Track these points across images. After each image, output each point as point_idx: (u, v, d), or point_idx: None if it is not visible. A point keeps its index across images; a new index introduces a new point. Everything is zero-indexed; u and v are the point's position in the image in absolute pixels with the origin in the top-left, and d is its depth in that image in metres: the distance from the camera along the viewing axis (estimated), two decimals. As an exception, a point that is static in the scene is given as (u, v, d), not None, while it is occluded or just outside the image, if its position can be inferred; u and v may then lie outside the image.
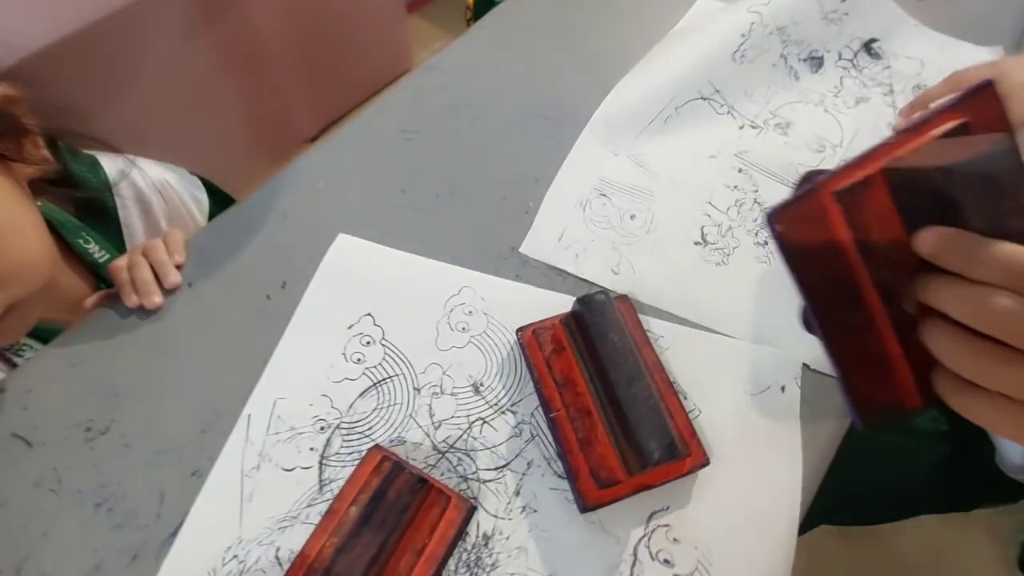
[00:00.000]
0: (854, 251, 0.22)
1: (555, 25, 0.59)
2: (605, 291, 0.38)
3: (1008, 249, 0.18)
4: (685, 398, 0.40)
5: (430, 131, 0.51)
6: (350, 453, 0.37)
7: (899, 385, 0.23)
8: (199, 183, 0.56)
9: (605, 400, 0.36)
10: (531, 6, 0.61)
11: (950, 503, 0.48)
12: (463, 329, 0.42)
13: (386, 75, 1.71)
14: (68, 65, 0.86)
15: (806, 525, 0.64)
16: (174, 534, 0.35)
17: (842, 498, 0.60)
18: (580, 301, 0.37)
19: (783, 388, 0.40)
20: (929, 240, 0.20)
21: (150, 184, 0.51)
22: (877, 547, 0.98)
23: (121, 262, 0.44)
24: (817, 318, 0.23)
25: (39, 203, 0.43)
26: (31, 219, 0.39)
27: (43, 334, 0.44)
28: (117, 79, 1.12)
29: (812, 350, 0.42)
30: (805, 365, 0.41)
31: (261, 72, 1.38)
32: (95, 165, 0.48)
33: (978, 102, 0.21)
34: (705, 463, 0.36)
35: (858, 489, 0.57)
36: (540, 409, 0.39)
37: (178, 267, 0.44)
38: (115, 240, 0.48)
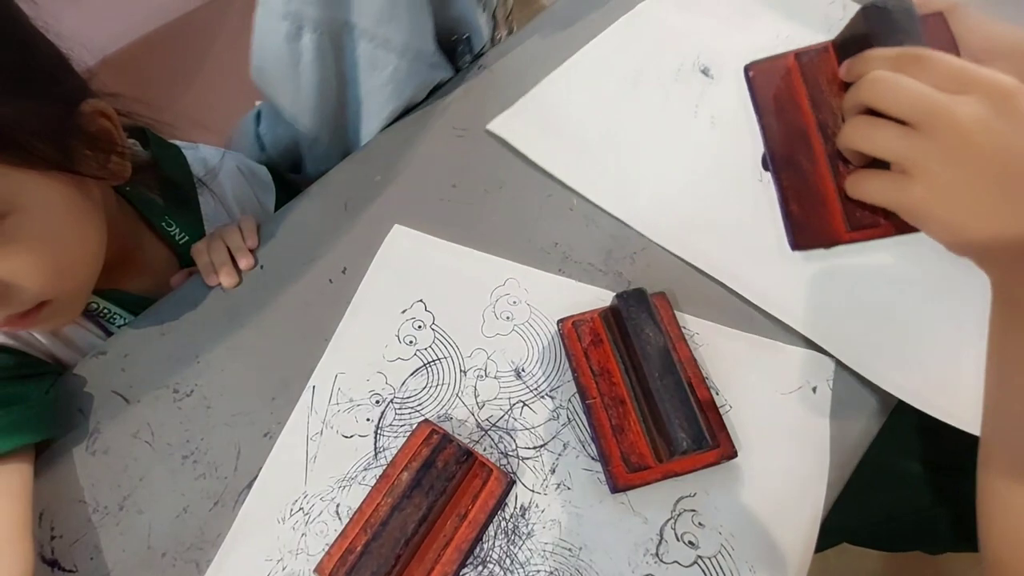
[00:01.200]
0: (806, 101, 0.28)
1: (599, 27, 0.60)
2: (642, 289, 0.40)
3: (893, 50, 0.25)
4: (717, 393, 0.41)
5: (479, 129, 0.54)
6: (402, 425, 0.41)
7: (829, 216, 0.28)
8: (268, 174, 0.61)
9: (639, 391, 0.38)
10: (577, 8, 0.63)
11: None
12: (507, 318, 0.45)
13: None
14: (143, 65, 0.93)
15: (827, 540, 0.65)
16: (249, 486, 0.40)
17: (868, 521, 0.60)
18: (619, 296, 0.39)
19: (815, 389, 0.42)
20: (846, 65, 0.27)
21: (227, 173, 0.56)
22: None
23: (202, 245, 0.48)
24: (772, 156, 0.29)
25: (128, 187, 0.48)
26: (78, 232, 0.39)
27: (132, 304, 0.50)
28: (187, 73, 1.19)
29: (847, 348, 0.43)
30: (839, 364, 0.42)
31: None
32: (179, 155, 0.53)
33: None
34: (733, 455, 0.38)
35: (885, 513, 0.57)
36: (577, 396, 0.41)
37: (252, 251, 0.49)
38: (195, 222, 0.53)
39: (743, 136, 0.51)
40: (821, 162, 0.28)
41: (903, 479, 0.53)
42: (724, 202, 0.49)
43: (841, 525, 0.63)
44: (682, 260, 0.47)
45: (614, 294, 0.40)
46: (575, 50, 0.58)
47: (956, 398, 0.40)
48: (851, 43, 0.27)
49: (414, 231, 0.49)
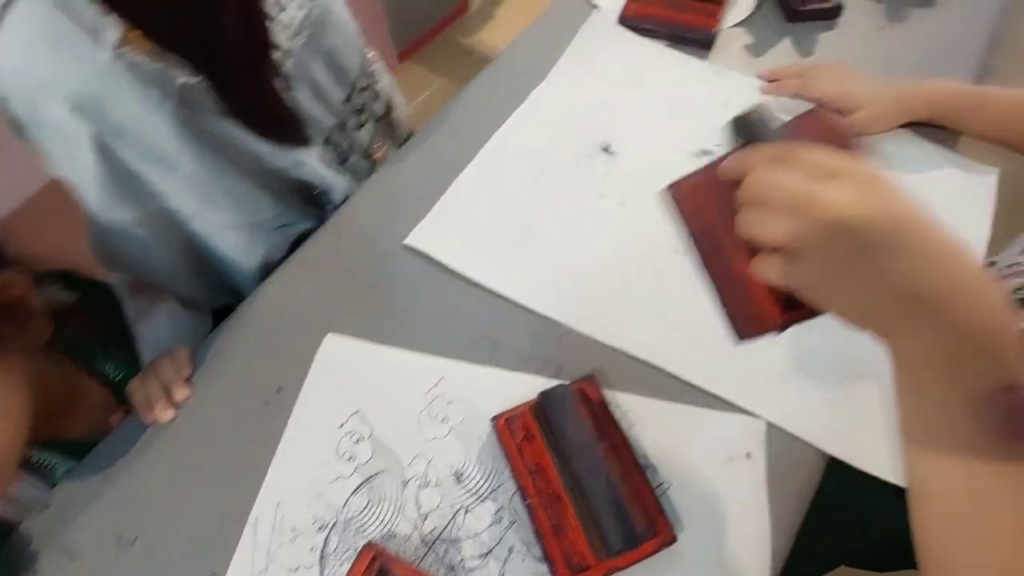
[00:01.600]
0: (716, 208, 0.31)
1: (495, 124, 0.61)
2: (563, 386, 0.40)
3: (766, 150, 0.27)
4: (655, 472, 0.42)
5: (403, 224, 0.55)
6: (347, 551, 0.41)
7: (762, 306, 0.31)
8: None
9: (574, 487, 0.39)
10: (471, 109, 0.64)
11: None
12: (443, 419, 0.45)
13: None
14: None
15: (825, 565, 0.65)
16: (196, 638, 0.39)
17: (862, 543, 0.61)
18: (542, 395, 0.40)
19: (749, 455, 0.42)
20: (724, 167, 0.30)
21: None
22: None
23: (136, 382, 0.48)
24: (703, 261, 0.32)
25: (66, 332, 0.48)
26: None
27: (74, 450, 0.49)
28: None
29: (778, 409, 0.43)
30: (770, 426, 0.43)
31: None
32: (108, 292, 0.54)
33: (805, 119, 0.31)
34: (672, 541, 0.38)
35: (879, 535, 0.58)
36: (518, 494, 0.41)
37: (186, 380, 0.49)
38: (131, 357, 0.53)
39: (652, 213, 0.53)
40: (743, 257, 0.30)
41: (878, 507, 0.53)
42: (640, 281, 0.50)
43: (839, 547, 0.63)
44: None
45: (539, 392, 0.41)
46: (478, 149, 0.59)
47: (881, 450, 0.40)
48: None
49: (347, 338, 0.50)
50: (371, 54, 0.62)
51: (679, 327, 0.47)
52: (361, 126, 0.61)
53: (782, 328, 0.31)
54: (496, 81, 0.65)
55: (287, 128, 0.50)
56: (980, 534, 0.25)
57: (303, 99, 0.52)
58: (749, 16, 0.67)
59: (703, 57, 0.65)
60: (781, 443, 0.43)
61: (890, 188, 0.25)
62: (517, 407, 0.43)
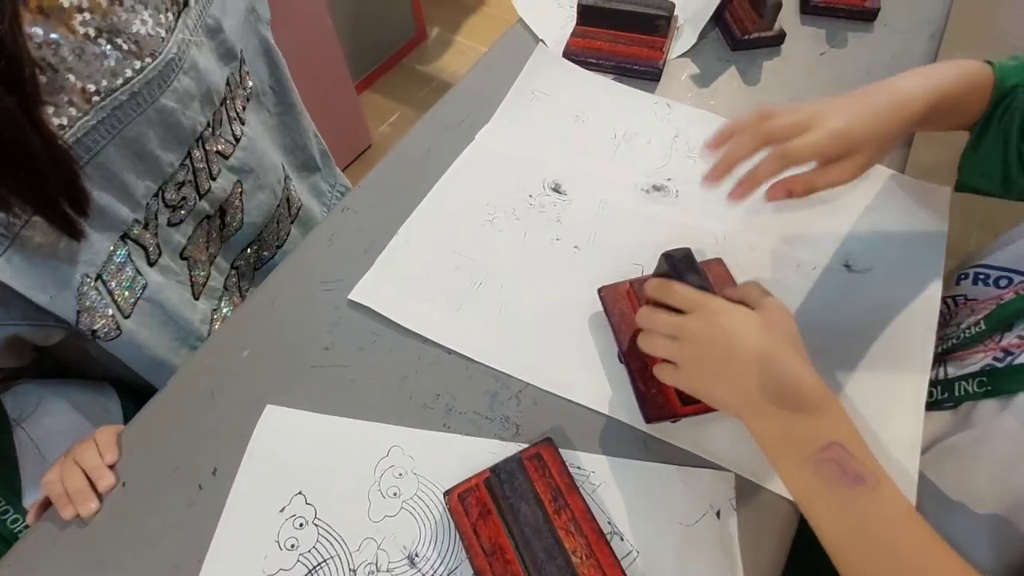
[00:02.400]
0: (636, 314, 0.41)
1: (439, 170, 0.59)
2: (516, 456, 0.38)
3: (655, 281, 0.40)
4: (622, 539, 0.39)
5: (350, 278, 0.52)
6: (289, 654, 0.37)
7: (666, 396, 0.43)
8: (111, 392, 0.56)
9: (533, 570, 0.36)
10: (437, 141, 0.62)
11: None
12: (394, 495, 0.42)
13: (349, 152, 1.75)
14: None
15: None
16: None
17: None
18: (492, 470, 0.37)
19: (718, 513, 0.40)
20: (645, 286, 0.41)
21: (49, 407, 0.51)
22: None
23: (53, 475, 0.44)
24: (622, 351, 0.45)
25: None
26: None
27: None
28: None
29: (747, 460, 0.41)
30: (740, 479, 0.41)
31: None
32: None
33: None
34: (640, 619, 0.35)
35: None
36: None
37: (111, 466, 0.44)
38: (13, 482, 0.48)
39: (608, 255, 0.51)
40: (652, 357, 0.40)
41: None
42: (594, 331, 0.48)
43: None
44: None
45: (490, 468, 0.38)
46: (431, 183, 0.57)
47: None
48: (659, 276, 0.41)
49: (287, 409, 0.46)
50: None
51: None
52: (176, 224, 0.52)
53: (680, 417, 0.42)
54: (443, 119, 0.63)
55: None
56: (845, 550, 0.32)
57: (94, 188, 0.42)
58: (693, 47, 0.67)
59: (651, 89, 0.65)
60: (752, 497, 0.41)
61: (728, 317, 0.36)
62: (471, 479, 0.40)
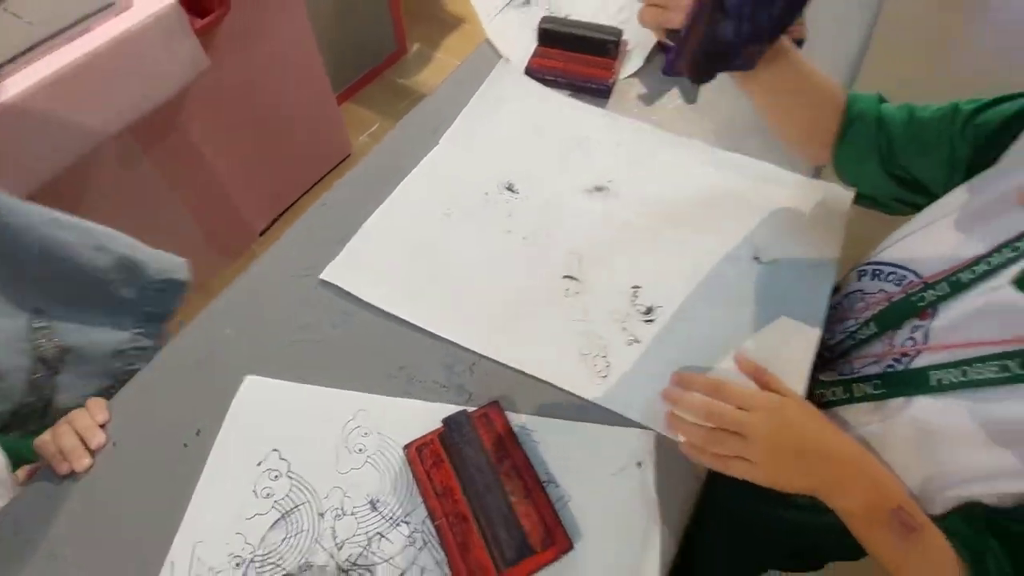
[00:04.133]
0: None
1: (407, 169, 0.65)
2: (463, 411, 0.44)
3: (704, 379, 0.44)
4: (557, 486, 0.45)
5: (324, 265, 0.58)
6: (264, 585, 0.42)
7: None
8: None
9: (476, 506, 0.42)
10: (409, 146, 0.69)
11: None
12: (360, 450, 0.48)
13: (328, 162, 1.80)
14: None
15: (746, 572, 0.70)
16: None
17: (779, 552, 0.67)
18: (445, 421, 0.43)
19: (639, 464, 0.46)
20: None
21: None
22: None
23: (46, 436, 0.49)
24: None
25: None
26: None
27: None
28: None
29: (663, 420, 0.48)
30: (658, 437, 0.47)
31: (205, 181, 1.46)
32: None
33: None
34: (568, 548, 0.41)
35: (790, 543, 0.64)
36: (429, 517, 0.44)
37: (102, 426, 0.49)
38: None
39: (551, 249, 0.58)
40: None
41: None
42: (543, 309, 0.54)
43: (757, 555, 0.68)
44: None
45: (442, 419, 0.44)
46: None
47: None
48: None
49: (266, 379, 0.51)
50: None
51: (571, 352, 0.52)
52: None
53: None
54: (415, 128, 0.70)
55: None
56: None
57: None
58: (641, 69, 0.75)
59: (602, 105, 0.72)
60: (668, 451, 0.47)
61: (786, 412, 0.42)
62: (428, 434, 0.46)
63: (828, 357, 0.52)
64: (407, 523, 0.44)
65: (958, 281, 0.42)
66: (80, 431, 0.49)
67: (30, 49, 0.69)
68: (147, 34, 0.70)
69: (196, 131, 1.37)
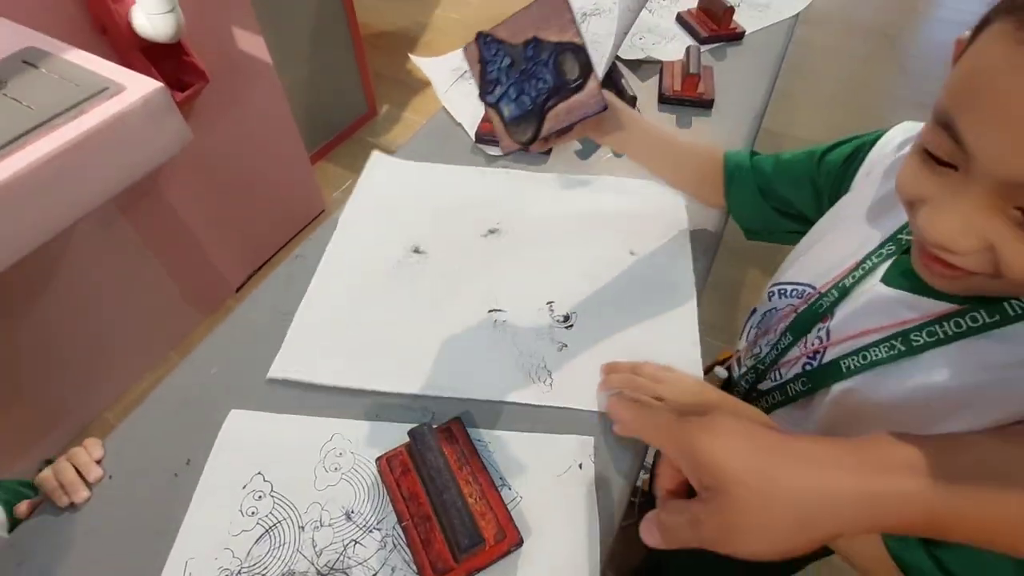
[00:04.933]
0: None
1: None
2: (427, 425, 0.51)
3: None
4: (510, 489, 0.52)
5: (295, 311, 0.65)
6: (250, 593, 0.47)
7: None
8: None
9: (438, 507, 0.48)
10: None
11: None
12: (335, 469, 0.54)
13: (302, 218, 1.89)
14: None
15: None
16: None
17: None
18: (409, 433, 0.50)
19: (580, 465, 0.54)
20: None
21: None
22: None
23: (47, 472, 0.54)
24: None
25: None
26: None
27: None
28: (44, 280, 1.23)
29: (600, 428, 0.55)
30: (596, 441, 0.55)
31: (182, 240, 1.52)
32: None
33: None
34: (519, 543, 0.48)
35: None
36: (398, 521, 0.50)
37: (98, 462, 0.54)
38: None
39: (470, 292, 0.67)
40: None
41: None
42: (475, 344, 0.62)
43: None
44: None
45: (407, 431, 0.51)
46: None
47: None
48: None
49: (249, 411, 0.58)
50: None
51: (507, 372, 0.60)
52: None
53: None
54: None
55: None
56: None
57: None
58: (577, 128, 0.87)
59: (544, 162, 0.83)
60: (605, 453, 0.55)
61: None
62: (396, 448, 0.53)
63: (761, 369, 0.59)
64: (379, 529, 0.50)
65: (843, 286, 0.50)
66: (79, 467, 0.54)
67: (30, 131, 0.77)
68: (137, 114, 0.79)
69: (173, 193, 1.44)
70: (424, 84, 2.38)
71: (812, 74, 2.38)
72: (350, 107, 2.16)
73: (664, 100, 0.91)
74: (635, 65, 0.97)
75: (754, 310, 0.65)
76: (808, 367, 0.52)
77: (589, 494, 0.52)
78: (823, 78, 2.38)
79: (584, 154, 0.84)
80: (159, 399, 0.59)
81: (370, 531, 0.50)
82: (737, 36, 1.03)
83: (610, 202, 0.76)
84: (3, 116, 0.79)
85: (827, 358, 0.50)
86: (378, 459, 0.53)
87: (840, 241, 0.54)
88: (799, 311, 0.55)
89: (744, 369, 0.62)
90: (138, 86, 0.82)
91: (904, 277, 0.46)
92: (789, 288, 0.58)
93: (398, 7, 2.76)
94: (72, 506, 0.52)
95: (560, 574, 0.48)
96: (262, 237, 1.79)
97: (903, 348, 0.44)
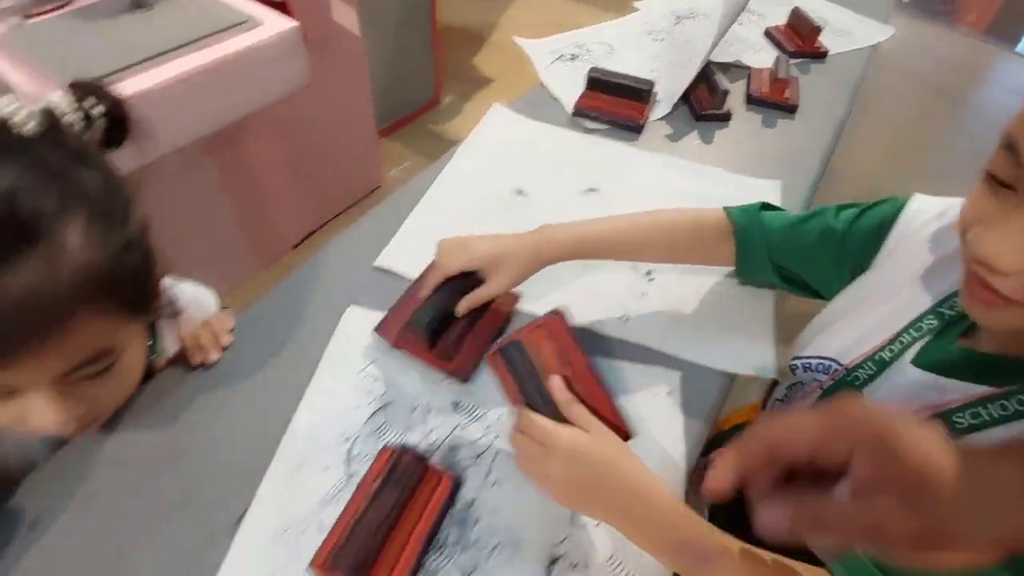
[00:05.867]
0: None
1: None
2: (537, 316, 0.55)
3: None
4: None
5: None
6: (366, 455, 0.52)
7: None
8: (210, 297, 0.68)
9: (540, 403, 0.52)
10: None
11: None
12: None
13: (360, 190, 1.97)
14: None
15: None
16: (241, 519, 0.48)
17: None
18: (508, 341, 0.54)
19: (670, 392, 0.58)
20: None
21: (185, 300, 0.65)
22: None
23: (185, 334, 0.59)
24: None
25: None
26: (141, 363, 0.47)
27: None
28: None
29: (694, 352, 0.60)
30: (685, 371, 0.59)
31: (255, 189, 1.60)
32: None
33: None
34: (629, 437, 0.50)
35: None
36: (504, 412, 0.55)
37: (230, 331, 0.60)
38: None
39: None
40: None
41: None
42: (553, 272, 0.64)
43: None
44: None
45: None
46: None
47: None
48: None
49: (364, 309, 0.63)
50: None
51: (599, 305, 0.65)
52: None
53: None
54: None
55: None
56: None
57: None
58: (667, 114, 0.93)
59: (634, 140, 0.89)
60: (691, 381, 0.59)
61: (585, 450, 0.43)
62: (508, 337, 0.53)
63: None
64: (484, 420, 0.55)
65: (881, 360, 0.47)
66: (214, 333, 0.60)
67: (171, 51, 0.85)
68: (270, 48, 0.87)
69: (254, 143, 1.52)
70: (487, 80, 2.47)
71: (869, 115, 2.43)
72: (417, 93, 2.25)
73: (751, 101, 0.97)
74: (724, 68, 1.03)
75: (775, 383, 0.63)
76: None
77: (676, 419, 0.57)
78: (880, 120, 2.43)
79: (675, 137, 0.90)
80: (285, 289, 0.65)
81: (476, 419, 0.55)
82: (821, 55, 1.09)
83: (706, 186, 0.80)
84: (152, 34, 0.87)
85: None
86: (491, 352, 0.52)
87: (867, 317, 0.51)
88: (824, 387, 0.52)
89: None
90: (274, 23, 0.90)
91: (935, 360, 0.44)
92: (814, 362, 0.55)
93: (473, 5, 2.88)
94: (203, 364, 0.58)
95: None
96: (323, 201, 1.86)
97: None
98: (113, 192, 0.40)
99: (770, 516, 0.26)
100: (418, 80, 2.21)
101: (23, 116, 0.36)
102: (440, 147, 2.16)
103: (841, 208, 0.57)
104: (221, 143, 1.42)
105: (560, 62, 1.04)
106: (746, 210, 0.61)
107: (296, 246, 1.82)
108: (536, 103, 0.95)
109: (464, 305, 0.57)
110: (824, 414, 0.27)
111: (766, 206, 0.62)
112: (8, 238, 0.33)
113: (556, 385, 0.47)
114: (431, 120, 2.31)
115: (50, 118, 0.38)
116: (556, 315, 0.54)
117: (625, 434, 0.49)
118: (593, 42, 1.09)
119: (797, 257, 0.59)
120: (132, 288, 0.41)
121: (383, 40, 1.93)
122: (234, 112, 0.89)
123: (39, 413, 0.39)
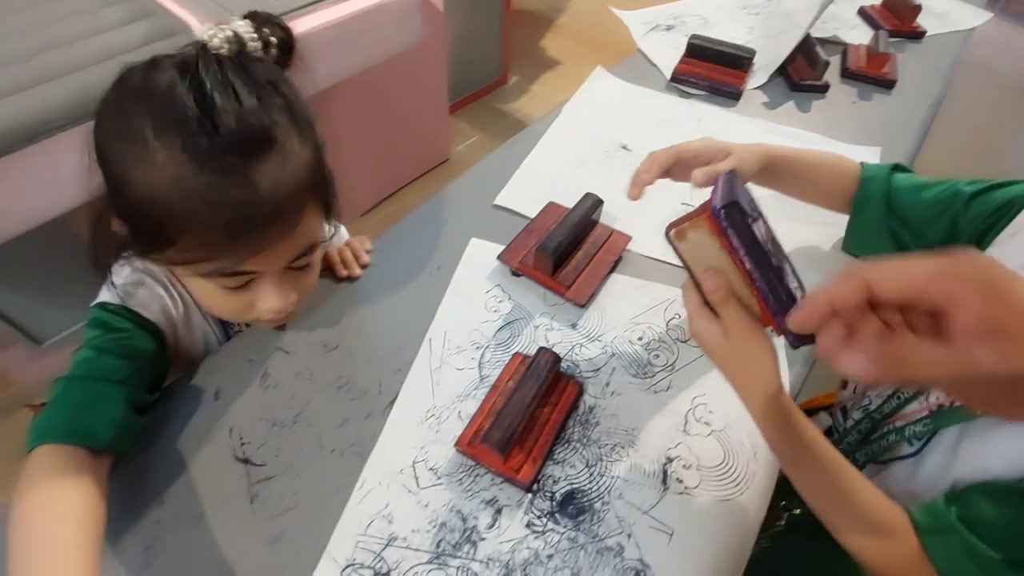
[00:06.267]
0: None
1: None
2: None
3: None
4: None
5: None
6: (497, 362, 0.58)
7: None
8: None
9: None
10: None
11: None
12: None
13: (429, 162, 2.03)
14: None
15: None
16: (391, 404, 0.54)
17: None
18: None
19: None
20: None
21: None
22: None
23: (332, 250, 0.66)
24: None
25: None
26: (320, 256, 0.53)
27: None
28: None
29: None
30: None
31: (333, 153, 1.68)
32: None
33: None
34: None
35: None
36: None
37: (368, 252, 0.67)
38: None
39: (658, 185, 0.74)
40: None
41: None
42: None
43: None
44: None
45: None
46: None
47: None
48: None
49: (484, 242, 0.69)
50: None
51: None
52: None
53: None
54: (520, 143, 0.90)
55: None
56: None
57: None
58: (765, 83, 0.95)
59: (732, 106, 0.91)
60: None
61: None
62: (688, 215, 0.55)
63: (877, 418, 0.56)
64: (600, 340, 0.60)
65: None
66: (355, 252, 0.66)
67: (309, 5, 0.92)
68: (400, 4, 0.93)
69: (337, 106, 1.59)
70: (554, 62, 2.51)
71: (946, 112, 2.36)
72: (486, 71, 2.31)
73: (847, 75, 0.98)
74: (820, 43, 1.04)
75: None
76: (927, 419, 0.49)
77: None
78: (958, 120, 2.36)
79: (771, 106, 0.92)
80: (416, 220, 0.72)
81: (593, 340, 0.60)
82: (918, 35, 1.08)
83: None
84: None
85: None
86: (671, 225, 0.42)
87: None
88: None
89: (852, 421, 0.60)
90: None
91: None
92: None
93: (541, -10, 2.92)
94: (348, 278, 0.65)
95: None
96: (394, 170, 1.94)
97: None
98: (305, 105, 0.46)
99: (855, 360, 0.26)
100: (486, 59, 2.27)
101: (220, 40, 0.40)
102: (505, 126, 2.24)
103: (972, 181, 0.57)
104: (315, 106, 1.51)
105: (656, 32, 1.07)
106: (879, 166, 0.61)
107: (364, 214, 1.90)
108: (633, 70, 0.98)
109: (701, 178, 0.54)
110: (933, 258, 0.26)
111: (898, 167, 0.61)
112: (254, 147, 0.40)
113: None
114: (497, 99, 2.36)
115: (239, 43, 0.42)
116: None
117: None
118: (688, 14, 1.11)
119: (917, 216, 0.58)
120: (329, 189, 0.48)
121: (458, 18, 1.99)
122: (364, 62, 0.96)
123: (269, 297, 0.46)
